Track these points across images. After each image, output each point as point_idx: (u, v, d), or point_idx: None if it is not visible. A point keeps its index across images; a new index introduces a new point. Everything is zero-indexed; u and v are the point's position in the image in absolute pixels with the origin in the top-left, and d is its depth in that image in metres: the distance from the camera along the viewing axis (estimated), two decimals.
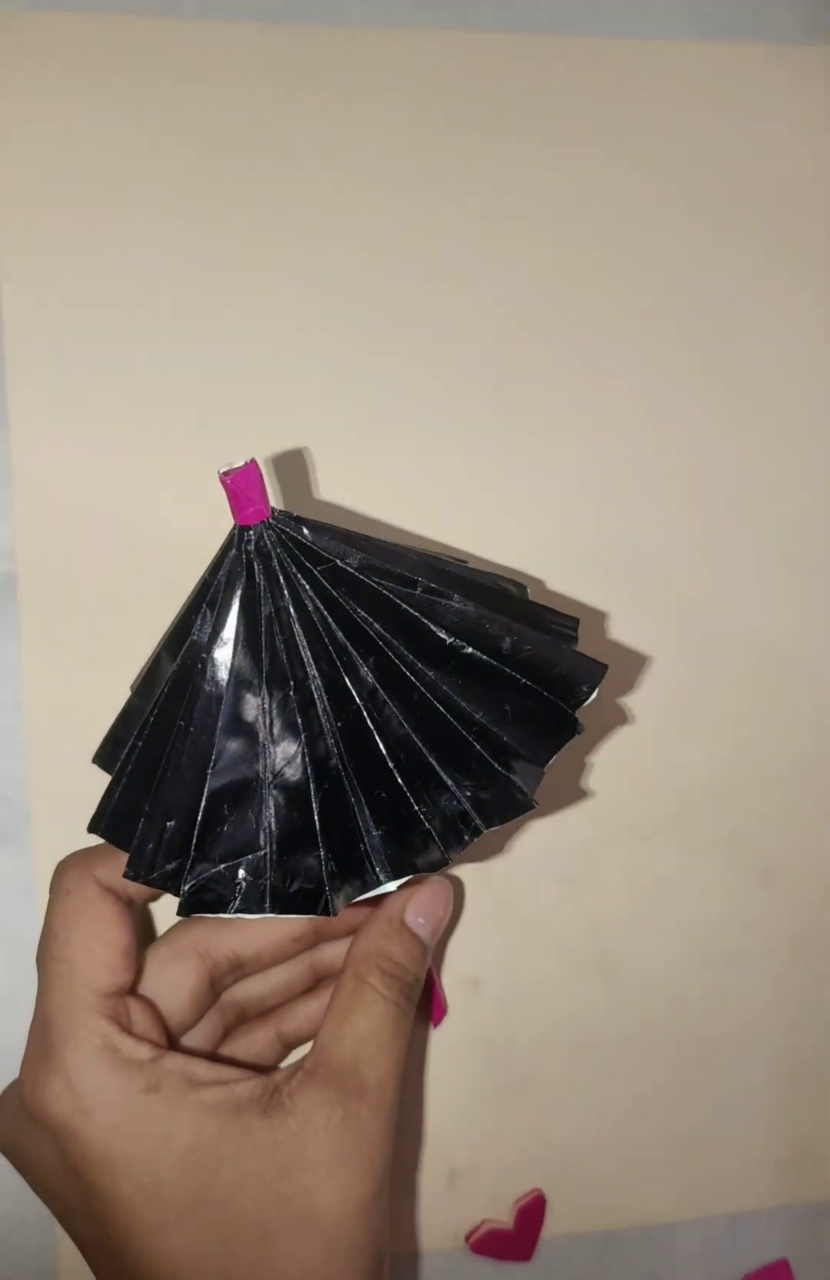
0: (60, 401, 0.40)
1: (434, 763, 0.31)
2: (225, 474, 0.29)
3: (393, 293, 0.42)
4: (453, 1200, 0.40)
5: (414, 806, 0.31)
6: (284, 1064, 0.37)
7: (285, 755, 0.31)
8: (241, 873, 0.31)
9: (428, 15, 0.42)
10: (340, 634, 0.30)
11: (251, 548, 0.30)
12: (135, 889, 0.33)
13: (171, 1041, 0.33)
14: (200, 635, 0.31)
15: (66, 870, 0.33)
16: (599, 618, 0.42)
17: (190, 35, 0.41)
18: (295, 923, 0.35)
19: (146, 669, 0.33)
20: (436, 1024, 0.40)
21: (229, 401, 0.41)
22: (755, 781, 0.42)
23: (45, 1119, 0.30)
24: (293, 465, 0.41)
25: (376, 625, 0.31)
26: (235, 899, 0.31)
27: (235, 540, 0.30)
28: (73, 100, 0.40)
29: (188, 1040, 0.34)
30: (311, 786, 0.31)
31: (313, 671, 0.30)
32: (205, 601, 0.31)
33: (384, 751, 0.31)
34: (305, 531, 0.30)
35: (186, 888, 0.31)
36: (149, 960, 0.34)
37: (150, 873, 0.32)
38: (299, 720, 0.31)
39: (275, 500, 0.37)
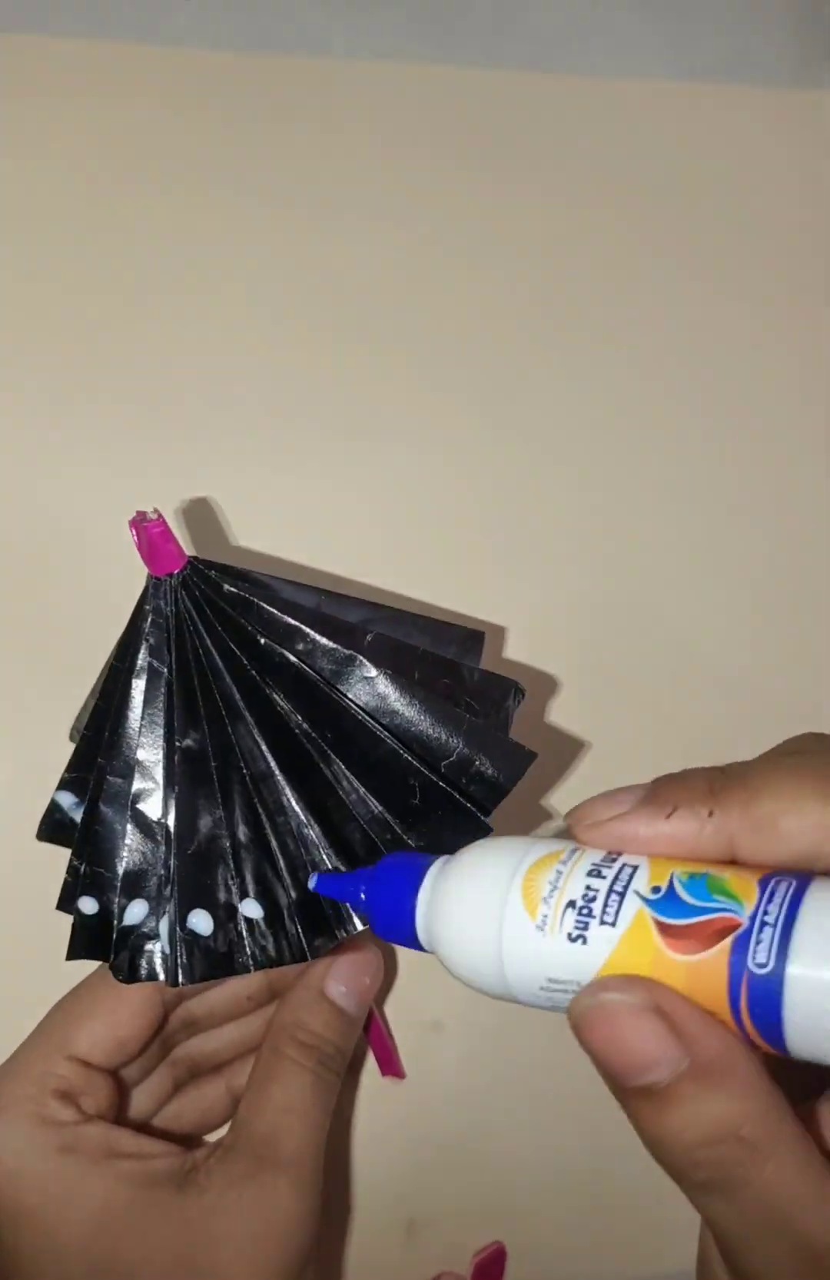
0: None
1: (278, 853, 0.31)
2: (135, 523, 0.29)
3: (345, 323, 0.41)
4: (410, 1251, 0.39)
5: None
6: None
7: (153, 797, 0.31)
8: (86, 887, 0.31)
9: (412, 49, 0.42)
10: (237, 696, 0.30)
11: (157, 602, 0.30)
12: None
13: (118, 1117, 0.33)
14: (119, 665, 0.31)
15: None
16: (551, 686, 0.41)
17: (169, 62, 0.41)
18: (249, 981, 0.35)
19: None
20: (385, 1074, 0.39)
21: (163, 427, 0.40)
22: None
23: None
24: (226, 508, 0.40)
25: (276, 694, 0.31)
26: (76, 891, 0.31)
27: (147, 591, 0.30)
28: (47, 124, 0.40)
29: (135, 1094, 0.34)
30: (152, 838, 0.31)
31: (205, 729, 0.30)
32: (131, 633, 0.31)
33: (214, 826, 0.31)
34: (220, 589, 0.30)
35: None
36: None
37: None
38: (158, 766, 0.31)
39: (191, 548, 0.37)
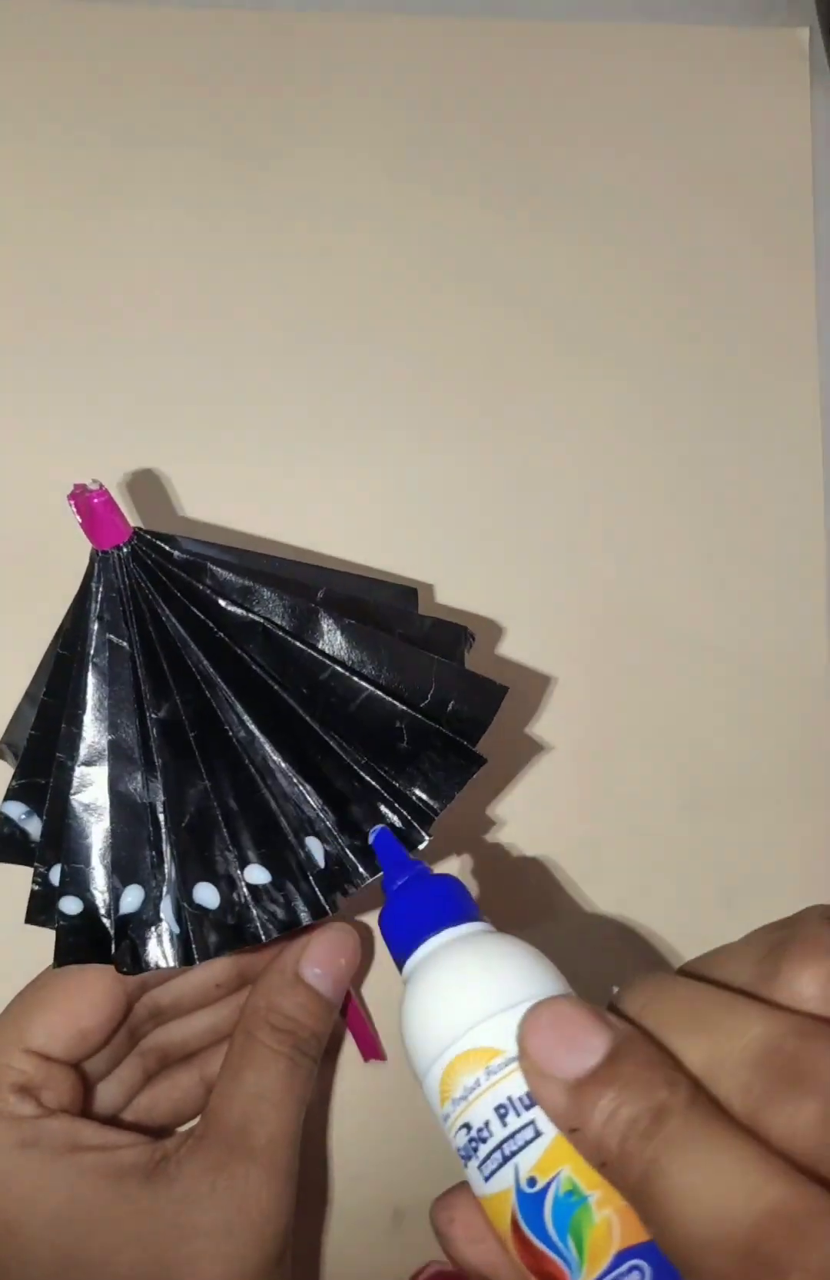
0: None
1: (279, 814, 0.30)
2: (75, 496, 0.28)
3: (317, 283, 0.40)
4: (398, 1240, 0.38)
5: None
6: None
7: (135, 776, 0.30)
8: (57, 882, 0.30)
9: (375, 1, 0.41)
10: (208, 662, 0.30)
11: (107, 577, 0.29)
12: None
13: (87, 1110, 0.32)
14: (66, 653, 0.30)
15: None
16: (497, 631, 0.40)
17: (160, 19, 0.40)
18: (216, 969, 0.34)
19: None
20: (366, 1058, 0.38)
21: (112, 407, 0.39)
22: (714, 801, 0.41)
23: None
24: (164, 479, 0.39)
25: (247, 655, 0.30)
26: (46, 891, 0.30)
27: (93, 567, 0.30)
28: (35, 84, 0.39)
29: (104, 1086, 0.33)
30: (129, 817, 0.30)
31: (176, 699, 0.30)
32: (78, 616, 0.30)
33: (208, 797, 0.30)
34: (172, 556, 0.30)
35: None
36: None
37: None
38: (135, 744, 0.30)
39: (137, 520, 0.37)
